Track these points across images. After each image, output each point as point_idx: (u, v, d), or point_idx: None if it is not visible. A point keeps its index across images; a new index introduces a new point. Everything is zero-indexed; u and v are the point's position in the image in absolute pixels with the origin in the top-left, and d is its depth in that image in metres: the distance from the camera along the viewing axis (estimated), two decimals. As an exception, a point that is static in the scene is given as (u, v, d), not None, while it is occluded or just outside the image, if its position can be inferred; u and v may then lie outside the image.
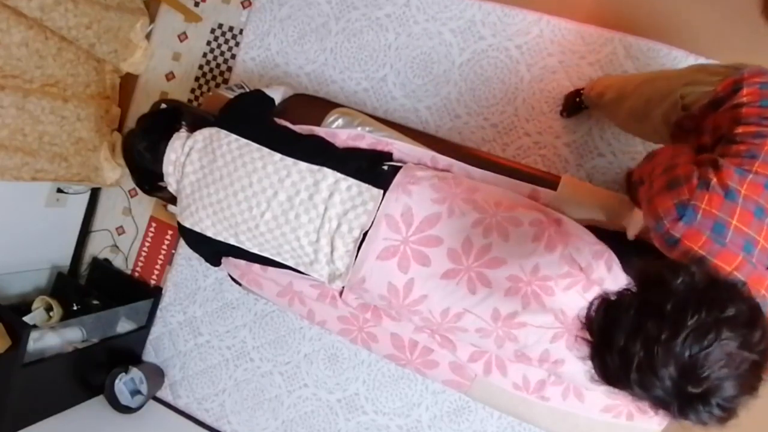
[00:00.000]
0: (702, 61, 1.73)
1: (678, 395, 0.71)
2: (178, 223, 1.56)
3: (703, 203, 0.79)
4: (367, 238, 1.32)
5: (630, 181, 1.58)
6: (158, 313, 2.40)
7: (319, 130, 1.54)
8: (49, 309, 2.20)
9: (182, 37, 2.38)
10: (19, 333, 1.80)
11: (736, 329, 0.69)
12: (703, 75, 1.08)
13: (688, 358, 0.69)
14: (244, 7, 2.29)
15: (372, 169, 1.40)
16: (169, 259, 2.41)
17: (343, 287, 1.44)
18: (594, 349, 0.78)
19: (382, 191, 1.34)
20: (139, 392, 2.26)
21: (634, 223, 1.26)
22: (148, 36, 2.39)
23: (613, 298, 0.79)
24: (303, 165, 1.40)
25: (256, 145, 1.43)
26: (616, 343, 0.73)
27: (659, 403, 0.73)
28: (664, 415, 0.76)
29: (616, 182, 1.84)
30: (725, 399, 0.71)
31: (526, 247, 1.27)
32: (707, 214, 0.79)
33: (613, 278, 1.22)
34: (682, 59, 1.75)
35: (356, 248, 1.34)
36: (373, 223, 1.32)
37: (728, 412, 0.73)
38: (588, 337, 0.80)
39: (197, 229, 1.50)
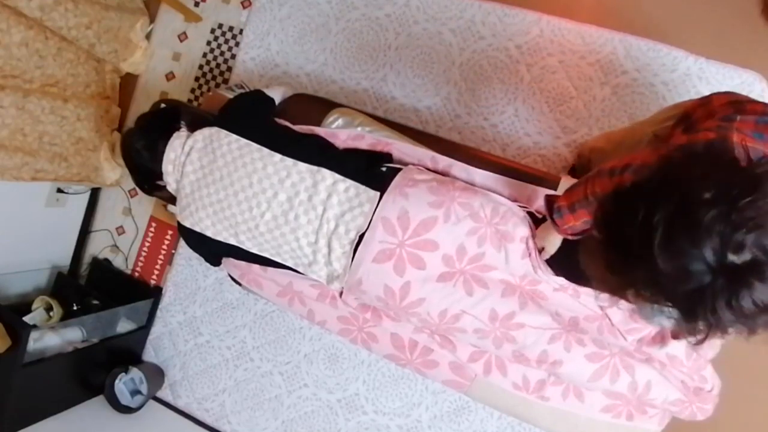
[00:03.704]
0: (702, 61, 1.74)
1: (719, 265, 0.61)
2: (178, 223, 1.56)
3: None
4: (363, 240, 1.32)
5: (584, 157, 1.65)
6: (158, 313, 2.40)
7: (319, 130, 1.54)
8: (49, 309, 2.20)
9: (182, 37, 2.38)
10: (19, 333, 1.80)
11: None
12: (669, 111, 1.16)
13: (729, 216, 0.60)
14: (244, 7, 2.29)
15: (370, 170, 1.40)
16: (169, 259, 2.41)
17: (343, 288, 1.44)
18: (604, 237, 0.71)
19: (378, 193, 1.34)
20: (139, 392, 2.26)
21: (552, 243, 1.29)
22: (148, 36, 2.39)
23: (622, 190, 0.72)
24: (303, 166, 1.40)
25: (256, 146, 1.43)
26: (635, 218, 0.65)
27: (687, 289, 0.63)
28: (688, 320, 0.66)
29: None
30: None
31: (516, 261, 1.29)
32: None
33: None
34: (682, 59, 1.75)
35: (353, 250, 1.34)
36: (369, 225, 1.32)
37: None
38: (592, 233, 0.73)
39: (197, 229, 1.50)
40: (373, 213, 1.32)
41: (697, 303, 0.64)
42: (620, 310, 1.29)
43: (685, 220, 0.63)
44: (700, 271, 0.62)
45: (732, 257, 0.61)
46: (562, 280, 1.30)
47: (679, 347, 1.30)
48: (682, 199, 0.64)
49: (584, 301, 1.30)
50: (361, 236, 1.33)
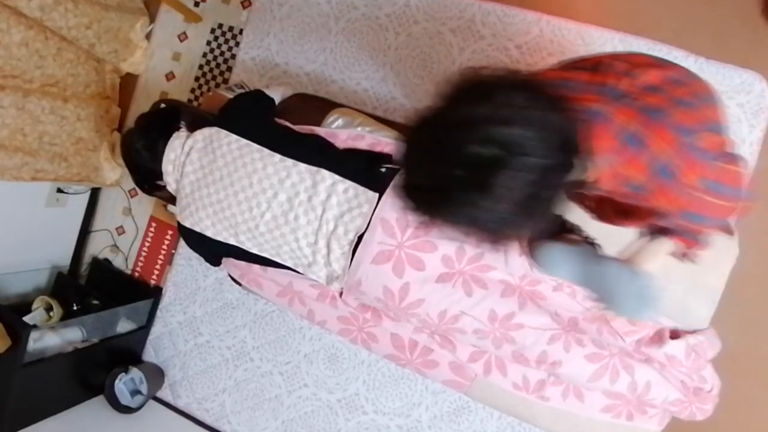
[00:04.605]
0: (702, 61, 1.73)
1: (456, 164, 0.69)
2: (178, 223, 1.56)
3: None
4: (362, 241, 1.32)
5: None
6: (158, 313, 2.40)
7: (319, 130, 1.54)
8: (49, 309, 2.20)
9: (182, 37, 2.38)
10: (19, 333, 1.80)
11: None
12: None
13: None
14: (244, 7, 2.29)
15: (370, 170, 1.40)
16: (169, 259, 2.41)
17: (342, 288, 1.44)
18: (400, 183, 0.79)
19: (378, 194, 1.34)
20: (139, 392, 2.26)
21: None
22: (148, 36, 2.39)
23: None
24: (303, 166, 1.40)
25: (256, 146, 1.43)
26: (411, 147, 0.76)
27: (437, 196, 0.72)
28: (454, 225, 0.73)
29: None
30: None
31: (515, 259, 1.30)
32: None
33: None
34: (682, 59, 1.75)
35: (351, 251, 1.34)
36: (368, 226, 1.32)
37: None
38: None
39: (197, 229, 1.50)
40: (372, 214, 1.32)
41: (448, 206, 0.72)
42: None
43: (429, 129, 0.73)
44: (441, 175, 0.70)
45: (470, 153, 0.67)
46: None
47: (677, 347, 1.30)
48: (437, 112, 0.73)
49: (582, 300, 1.30)
50: (360, 237, 1.33)
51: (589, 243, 1.24)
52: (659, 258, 1.03)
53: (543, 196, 0.71)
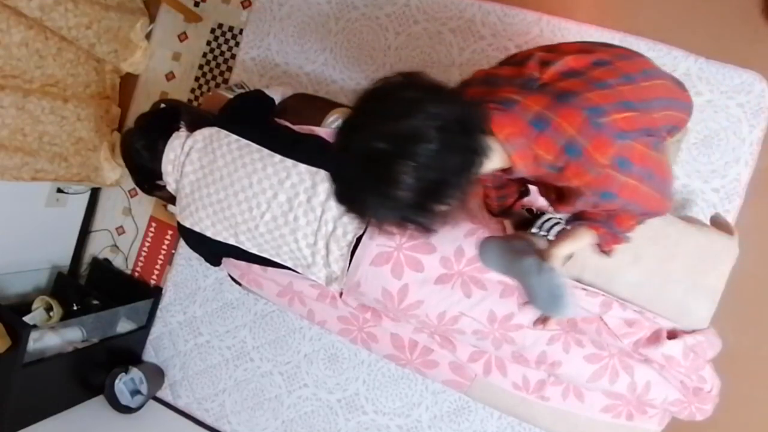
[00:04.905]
0: (702, 61, 1.73)
1: (360, 155, 0.76)
2: (178, 223, 1.56)
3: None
4: (361, 243, 1.32)
5: None
6: (158, 313, 2.40)
7: (319, 131, 1.54)
8: (49, 309, 2.20)
9: (182, 37, 2.38)
10: (19, 333, 1.80)
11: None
12: None
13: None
14: (244, 7, 2.29)
15: None
16: (169, 259, 2.41)
17: (342, 289, 1.44)
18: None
19: None
20: (139, 392, 2.26)
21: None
22: (148, 36, 2.39)
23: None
24: (302, 167, 1.39)
25: (256, 146, 1.43)
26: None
27: (343, 188, 0.80)
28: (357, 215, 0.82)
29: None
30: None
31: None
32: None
33: None
34: (682, 59, 1.75)
35: (350, 252, 1.34)
36: (367, 228, 1.32)
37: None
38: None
39: (197, 229, 1.50)
40: None
41: (362, 200, 0.79)
42: (614, 317, 1.29)
43: (341, 135, 0.81)
44: (351, 174, 0.78)
45: (367, 150, 0.74)
46: None
47: (675, 348, 1.29)
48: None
49: (580, 301, 1.30)
50: (359, 239, 1.33)
51: (546, 239, 1.24)
52: (574, 245, 1.05)
53: (443, 180, 0.76)
